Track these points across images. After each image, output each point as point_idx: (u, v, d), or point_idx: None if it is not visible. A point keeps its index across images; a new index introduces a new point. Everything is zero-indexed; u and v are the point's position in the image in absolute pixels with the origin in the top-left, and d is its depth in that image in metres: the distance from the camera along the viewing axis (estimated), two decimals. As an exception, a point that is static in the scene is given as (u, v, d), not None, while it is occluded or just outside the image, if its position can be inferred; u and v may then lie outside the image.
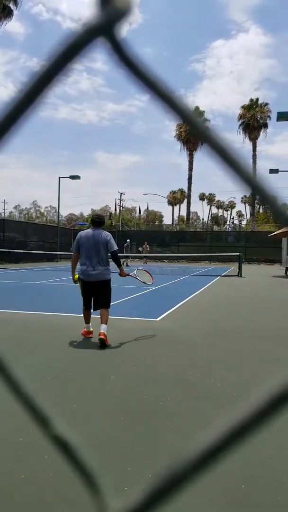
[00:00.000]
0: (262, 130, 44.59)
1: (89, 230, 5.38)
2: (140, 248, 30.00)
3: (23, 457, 2.40)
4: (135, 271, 6.35)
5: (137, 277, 6.28)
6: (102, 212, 69.77)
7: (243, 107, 45.04)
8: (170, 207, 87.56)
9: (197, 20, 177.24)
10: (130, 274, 6.11)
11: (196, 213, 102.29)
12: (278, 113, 18.33)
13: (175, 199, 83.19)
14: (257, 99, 44.86)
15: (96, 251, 5.26)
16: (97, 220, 5.41)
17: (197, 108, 45.16)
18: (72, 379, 3.80)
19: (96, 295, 5.39)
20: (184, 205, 79.89)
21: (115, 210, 63.30)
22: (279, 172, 26.22)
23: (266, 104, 44.62)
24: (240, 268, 18.94)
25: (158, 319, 7.02)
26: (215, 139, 0.27)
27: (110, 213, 62.64)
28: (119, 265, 5.50)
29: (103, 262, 5.31)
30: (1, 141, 0.26)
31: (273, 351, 5.02)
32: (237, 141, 45.71)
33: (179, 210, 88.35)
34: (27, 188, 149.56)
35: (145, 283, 6.39)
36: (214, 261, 33.89)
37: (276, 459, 2.45)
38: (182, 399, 3.37)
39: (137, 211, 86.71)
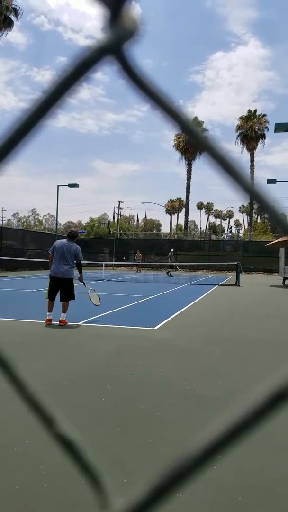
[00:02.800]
0: (260, 141, 44.97)
1: (64, 241, 7.26)
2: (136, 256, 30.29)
3: (18, 467, 2.37)
4: (90, 289, 7.82)
5: (89, 292, 7.74)
6: (100, 220, 70.00)
7: (241, 118, 45.46)
8: (168, 216, 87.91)
9: (197, 33, 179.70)
10: (86, 285, 7.59)
11: (194, 222, 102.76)
12: (275, 124, 18.49)
13: (173, 208, 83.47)
14: (255, 110, 45.33)
15: (65, 257, 7.04)
16: (70, 235, 7.34)
17: (195, 118, 45.57)
18: (68, 387, 3.78)
19: (62, 290, 7.07)
20: (182, 214, 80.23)
21: (113, 218, 63.40)
22: (277, 183, 26.36)
23: (264, 115, 45.08)
24: (238, 277, 18.95)
25: (155, 328, 7.00)
26: (214, 148, 0.27)
27: (109, 222, 62.68)
28: (80, 271, 7.33)
29: (69, 266, 7.08)
30: (15, 150, 0.27)
31: (272, 359, 4.99)
32: (235, 151, 46.04)
33: (177, 219, 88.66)
34: (25, 196, 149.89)
35: (90, 299, 7.72)
36: (212, 270, 33.90)
37: (273, 471, 2.43)
38: (179, 408, 3.34)
39: (135, 219, 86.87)
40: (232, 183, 0.27)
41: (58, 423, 0.31)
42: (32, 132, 0.27)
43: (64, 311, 6.98)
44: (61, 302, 7.04)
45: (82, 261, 7.30)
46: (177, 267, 26.79)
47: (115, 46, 0.25)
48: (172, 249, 27.10)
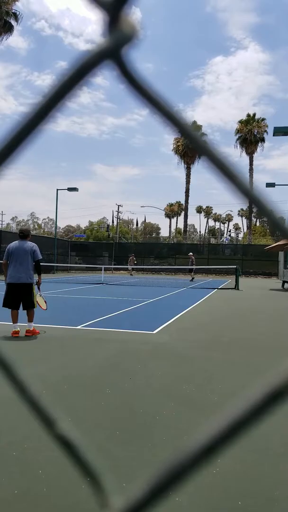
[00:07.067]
0: (259, 145, 45.09)
1: (17, 242, 6.40)
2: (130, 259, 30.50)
3: (17, 472, 2.36)
4: (39, 293, 6.81)
5: (37, 297, 6.72)
6: (99, 224, 70.05)
7: (240, 121, 45.60)
8: (167, 220, 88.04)
9: (197, 37, 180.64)
10: (39, 290, 6.75)
11: (193, 225, 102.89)
12: (274, 127, 18.65)
13: (172, 211, 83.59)
14: (254, 114, 45.47)
15: (22, 260, 6.25)
16: (21, 234, 6.48)
17: (194, 122, 45.74)
18: (67, 392, 3.76)
19: (23, 297, 6.31)
20: (181, 218, 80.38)
21: (113, 222, 63.40)
22: (276, 186, 26.45)
23: (263, 119, 45.22)
24: (237, 281, 18.94)
25: (154, 331, 6.99)
26: (213, 152, 0.27)
27: (108, 225, 62.68)
28: (39, 273, 6.53)
29: (27, 269, 6.29)
30: (15, 154, 0.28)
31: (272, 363, 4.98)
32: (234, 155, 46.18)
33: (176, 223, 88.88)
34: (25, 199, 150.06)
35: (38, 304, 6.75)
36: (211, 274, 33.89)
37: (272, 476, 2.42)
38: (178, 413, 3.33)
39: (135, 223, 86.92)
40: (231, 187, 0.27)
41: (58, 424, 0.32)
42: (31, 136, 0.27)
43: (30, 320, 6.34)
44: (25, 311, 6.40)
45: (41, 262, 6.47)
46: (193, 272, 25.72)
47: (114, 51, 0.26)
48: (190, 253, 25.84)
